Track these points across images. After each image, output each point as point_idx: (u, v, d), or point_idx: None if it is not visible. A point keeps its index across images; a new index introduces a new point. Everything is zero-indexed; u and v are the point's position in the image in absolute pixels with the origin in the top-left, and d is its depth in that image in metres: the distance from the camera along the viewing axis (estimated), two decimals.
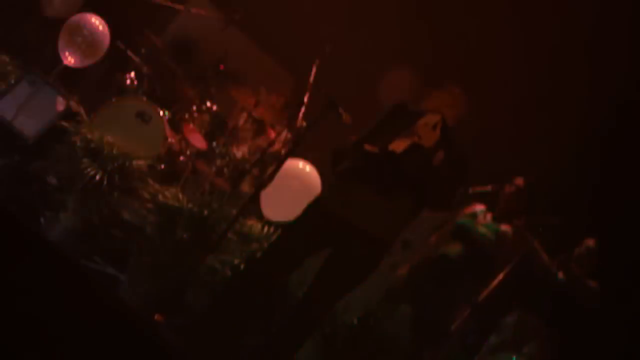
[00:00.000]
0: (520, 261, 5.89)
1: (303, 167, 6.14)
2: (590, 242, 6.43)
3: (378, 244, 4.42)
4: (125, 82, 7.75)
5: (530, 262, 6.25)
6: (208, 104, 7.82)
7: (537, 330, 6.29)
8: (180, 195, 5.56)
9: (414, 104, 4.47)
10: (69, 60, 7.21)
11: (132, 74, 7.78)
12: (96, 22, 7.31)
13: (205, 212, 5.42)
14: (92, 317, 2.98)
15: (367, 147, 4.23)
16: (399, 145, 4.13)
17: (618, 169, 7.36)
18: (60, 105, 6.52)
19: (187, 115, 7.77)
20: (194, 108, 7.78)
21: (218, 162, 7.64)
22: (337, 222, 4.40)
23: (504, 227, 6.46)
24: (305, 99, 6.89)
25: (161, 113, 7.33)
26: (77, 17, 7.31)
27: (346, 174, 4.45)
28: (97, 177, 5.69)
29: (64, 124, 6.13)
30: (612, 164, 7.43)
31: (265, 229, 5.66)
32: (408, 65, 9.12)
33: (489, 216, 6.74)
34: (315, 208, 4.51)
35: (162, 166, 7.33)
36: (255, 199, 4.64)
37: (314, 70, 7.39)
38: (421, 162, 4.14)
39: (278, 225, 5.99)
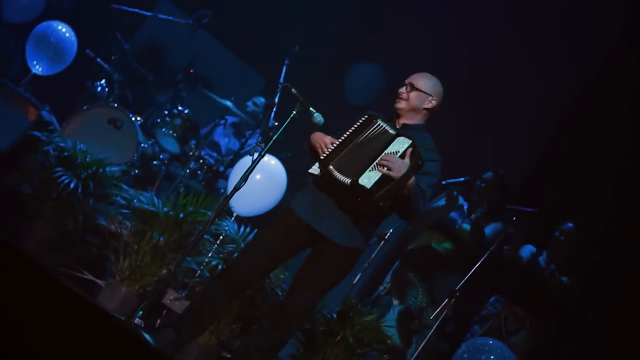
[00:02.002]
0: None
1: (267, 160, 6.18)
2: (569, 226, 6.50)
3: (351, 250, 4.53)
4: (96, 89, 7.75)
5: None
6: (180, 107, 7.84)
7: (523, 322, 6.37)
8: (155, 200, 5.58)
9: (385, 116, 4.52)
10: (37, 68, 7.20)
11: (103, 81, 7.78)
12: (63, 29, 7.30)
13: (181, 215, 5.45)
14: (72, 325, 2.99)
15: (338, 176, 4.25)
16: (369, 179, 4.16)
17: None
18: (32, 114, 6.52)
19: (159, 120, 7.78)
20: (166, 112, 7.80)
21: (192, 165, 7.66)
22: (311, 230, 4.50)
23: None
24: (276, 100, 6.93)
25: (133, 119, 7.35)
26: (43, 25, 7.30)
27: (318, 186, 4.52)
28: (72, 185, 5.70)
29: (37, 133, 6.12)
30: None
31: (242, 229, 5.71)
32: (376, 61, 9.22)
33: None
34: (290, 215, 4.58)
35: (136, 171, 7.35)
36: (229, 200, 4.67)
37: (283, 70, 7.44)
38: (391, 193, 4.20)
39: (248, 220, 6.06)
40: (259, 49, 9.18)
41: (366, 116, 4.39)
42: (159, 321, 5.55)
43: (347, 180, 4.19)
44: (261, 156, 4.57)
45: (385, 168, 4.12)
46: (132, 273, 5.36)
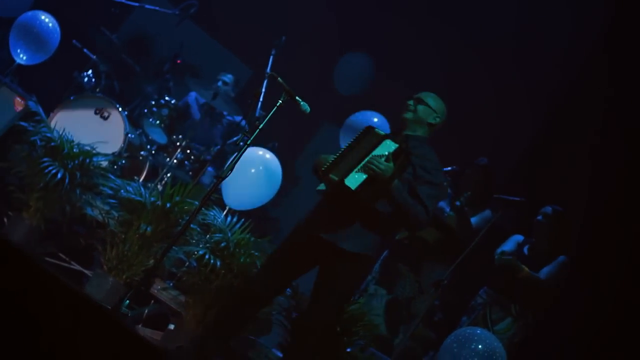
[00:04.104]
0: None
1: (263, 154, 6.18)
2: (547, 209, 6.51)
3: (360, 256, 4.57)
4: (83, 79, 7.73)
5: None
6: (167, 98, 7.83)
7: (507, 310, 6.39)
8: (142, 190, 5.58)
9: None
10: (22, 57, 7.19)
11: (90, 72, 7.77)
12: (46, 19, 7.28)
13: (168, 205, 5.45)
14: (59, 314, 3.00)
15: (333, 177, 4.40)
16: (355, 181, 4.32)
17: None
18: (19, 105, 6.51)
19: (146, 110, 7.77)
20: (153, 103, 7.79)
21: (179, 154, 7.66)
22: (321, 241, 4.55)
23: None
24: (263, 89, 6.93)
25: (120, 109, 7.34)
26: (26, 15, 7.28)
27: (326, 200, 4.62)
28: (59, 176, 5.69)
29: (23, 123, 6.10)
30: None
31: (228, 218, 5.71)
32: (365, 52, 9.21)
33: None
34: (300, 233, 4.66)
35: (123, 161, 7.34)
36: (216, 189, 4.68)
37: (270, 60, 7.44)
38: (378, 192, 4.35)
39: (241, 213, 6.05)
40: (246, 39, 9.17)
41: (365, 128, 4.53)
42: (146, 311, 5.56)
43: (336, 178, 4.35)
44: (247, 145, 4.59)
45: (370, 170, 4.28)
46: (119, 263, 5.36)
